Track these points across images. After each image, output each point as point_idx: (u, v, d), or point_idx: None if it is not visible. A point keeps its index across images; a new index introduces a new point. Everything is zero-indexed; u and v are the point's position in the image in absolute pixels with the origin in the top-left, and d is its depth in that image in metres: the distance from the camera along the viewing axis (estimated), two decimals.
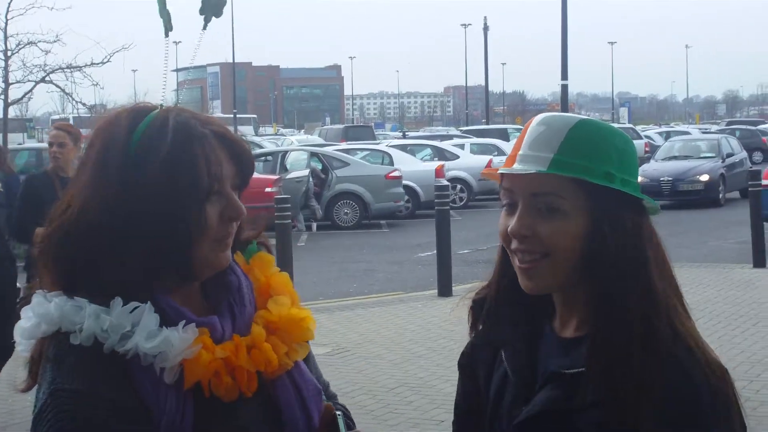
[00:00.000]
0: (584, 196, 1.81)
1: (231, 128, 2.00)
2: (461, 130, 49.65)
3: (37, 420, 1.73)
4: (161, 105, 1.90)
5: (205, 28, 2.07)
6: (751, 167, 25.75)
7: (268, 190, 18.70)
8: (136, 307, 1.78)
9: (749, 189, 14.43)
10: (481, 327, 2.02)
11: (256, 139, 45.80)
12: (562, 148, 1.82)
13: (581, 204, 1.81)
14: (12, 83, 27.77)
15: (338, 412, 2.03)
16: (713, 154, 26.95)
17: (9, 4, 26.97)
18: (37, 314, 1.80)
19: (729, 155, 27.35)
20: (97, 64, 27.18)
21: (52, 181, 7.36)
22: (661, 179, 24.92)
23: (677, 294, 1.85)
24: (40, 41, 26.90)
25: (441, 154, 29.24)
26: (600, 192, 1.81)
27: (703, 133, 40.73)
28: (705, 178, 25.14)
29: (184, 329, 1.80)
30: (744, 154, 29.43)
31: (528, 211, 1.83)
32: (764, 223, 14.37)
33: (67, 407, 1.71)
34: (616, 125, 1.77)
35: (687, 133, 38.71)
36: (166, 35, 2.04)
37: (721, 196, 25.68)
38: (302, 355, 1.98)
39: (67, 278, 1.81)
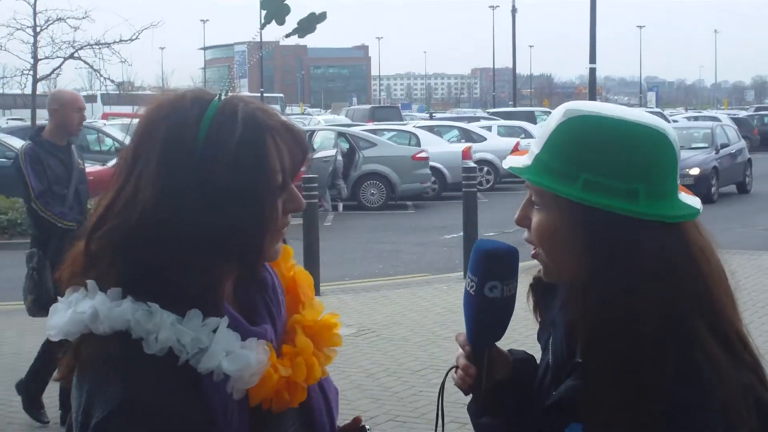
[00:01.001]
0: (561, 201, 1.77)
1: None
2: (488, 112, 49.57)
3: (100, 429, 1.62)
4: (220, 93, 1.78)
5: (263, 27, 1.99)
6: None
7: None
8: (208, 320, 1.70)
9: None
10: (539, 308, 2.03)
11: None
12: (546, 146, 1.81)
13: (559, 205, 1.78)
14: (41, 59, 27.84)
15: (367, 426, 2.03)
16: (706, 145, 24.71)
17: None
18: (102, 313, 1.66)
19: (724, 146, 24.97)
20: (126, 41, 27.20)
21: None
22: None
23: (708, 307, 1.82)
24: (69, 17, 26.96)
25: (468, 135, 29.19)
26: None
27: (731, 118, 40.37)
28: (695, 171, 22.63)
29: (258, 348, 1.73)
30: (742, 143, 26.99)
31: (527, 201, 1.86)
32: None
33: (136, 419, 1.61)
34: (644, 110, 1.69)
35: (716, 118, 38.37)
36: (262, 27, 1.94)
37: (713, 191, 23.16)
38: (332, 361, 1.95)
39: (131, 277, 1.68)
